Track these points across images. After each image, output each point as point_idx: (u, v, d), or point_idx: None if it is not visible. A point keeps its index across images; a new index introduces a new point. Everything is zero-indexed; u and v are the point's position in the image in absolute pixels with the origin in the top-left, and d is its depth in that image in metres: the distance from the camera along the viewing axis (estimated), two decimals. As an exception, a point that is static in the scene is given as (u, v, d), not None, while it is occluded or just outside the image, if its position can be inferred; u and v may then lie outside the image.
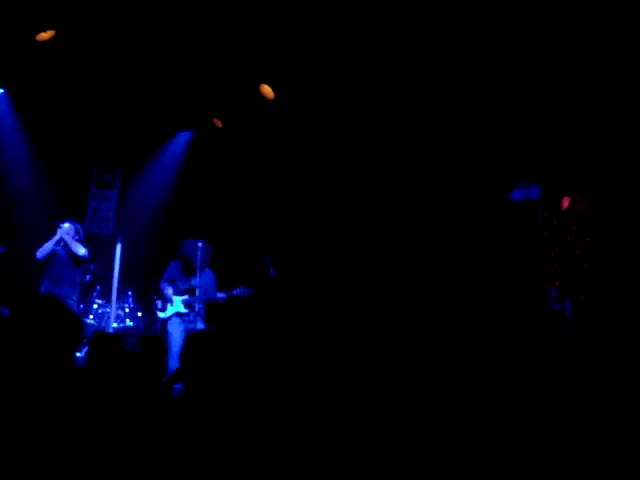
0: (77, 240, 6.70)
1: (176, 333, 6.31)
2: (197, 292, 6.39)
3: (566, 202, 5.38)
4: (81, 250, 6.64)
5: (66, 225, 6.71)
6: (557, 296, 4.90)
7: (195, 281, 6.42)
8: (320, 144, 7.64)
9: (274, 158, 8.19)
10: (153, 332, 7.31)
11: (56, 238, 6.61)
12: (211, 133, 8.64)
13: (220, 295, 6.60)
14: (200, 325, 6.40)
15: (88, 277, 7.77)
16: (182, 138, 9.11)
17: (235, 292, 6.60)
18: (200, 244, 6.50)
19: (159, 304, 6.59)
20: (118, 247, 7.64)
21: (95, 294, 7.78)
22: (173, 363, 5.93)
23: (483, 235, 5.84)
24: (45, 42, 6.56)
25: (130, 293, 7.94)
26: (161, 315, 6.54)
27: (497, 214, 5.77)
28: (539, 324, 4.51)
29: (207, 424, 2.07)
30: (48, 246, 6.59)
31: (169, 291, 6.52)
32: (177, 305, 6.47)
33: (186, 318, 6.43)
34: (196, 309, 6.40)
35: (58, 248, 6.64)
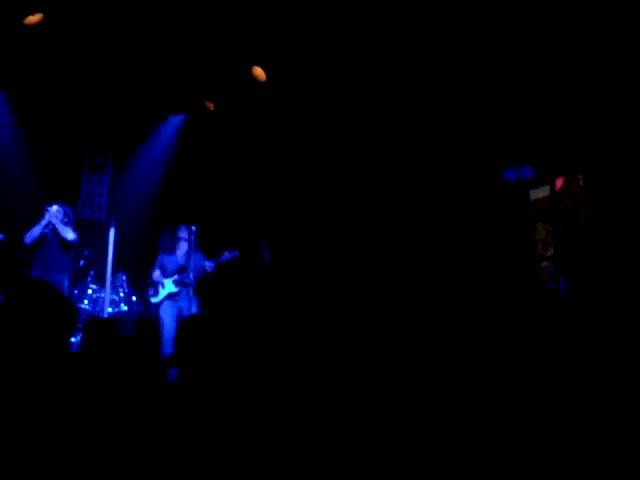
0: (66, 223, 6.49)
1: (168, 318, 6.27)
2: (190, 266, 6.44)
3: (560, 182, 5.38)
4: (70, 235, 6.43)
5: (54, 208, 6.45)
6: (552, 275, 4.91)
7: (183, 260, 6.48)
8: (313, 126, 7.60)
9: (266, 141, 8.16)
10: (147, 316, 7.29)
11: (44, 222, 6.35)
12: (203, 116, 8.58)
13: (208, 264, 6.53)
14: (194, 309, 6.38)
15: (82, 262, 7.72)
16: (174, 121, 9.05)
17: (222, 259, 6.55)
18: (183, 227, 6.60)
19: (151, 291, 6.58)
20: (111, 231, 7.56)
21: (89, 279, 7.74)
22: (167, 348, 5.94)
23: (477, 215, 5.84)
24: (33, 26, 6.47)
25: (124, 277, 7.90)
26: (153, 300, 6.53)
27: (490, 194, 5.77)
28: (534, 303, 4.53)
29: (203, 409, 2.07)
30: (36, 230, 6.33)
31: (158, 274, 6.51)
32: (168, 286, 6.45)
33: (178, 298, 6.40)
34: (188, 279, 6.38)
35: (47, 231, 6.40)
